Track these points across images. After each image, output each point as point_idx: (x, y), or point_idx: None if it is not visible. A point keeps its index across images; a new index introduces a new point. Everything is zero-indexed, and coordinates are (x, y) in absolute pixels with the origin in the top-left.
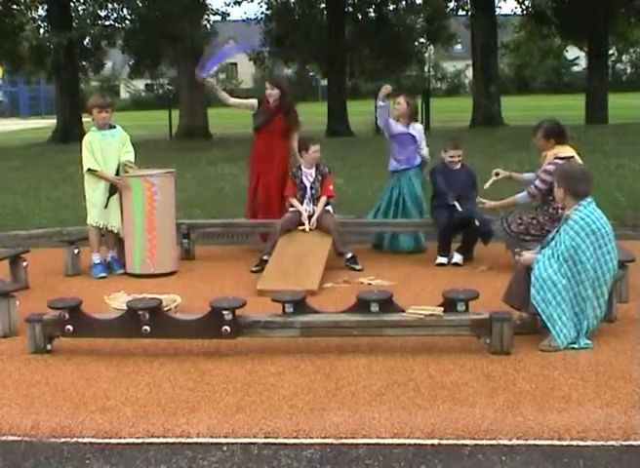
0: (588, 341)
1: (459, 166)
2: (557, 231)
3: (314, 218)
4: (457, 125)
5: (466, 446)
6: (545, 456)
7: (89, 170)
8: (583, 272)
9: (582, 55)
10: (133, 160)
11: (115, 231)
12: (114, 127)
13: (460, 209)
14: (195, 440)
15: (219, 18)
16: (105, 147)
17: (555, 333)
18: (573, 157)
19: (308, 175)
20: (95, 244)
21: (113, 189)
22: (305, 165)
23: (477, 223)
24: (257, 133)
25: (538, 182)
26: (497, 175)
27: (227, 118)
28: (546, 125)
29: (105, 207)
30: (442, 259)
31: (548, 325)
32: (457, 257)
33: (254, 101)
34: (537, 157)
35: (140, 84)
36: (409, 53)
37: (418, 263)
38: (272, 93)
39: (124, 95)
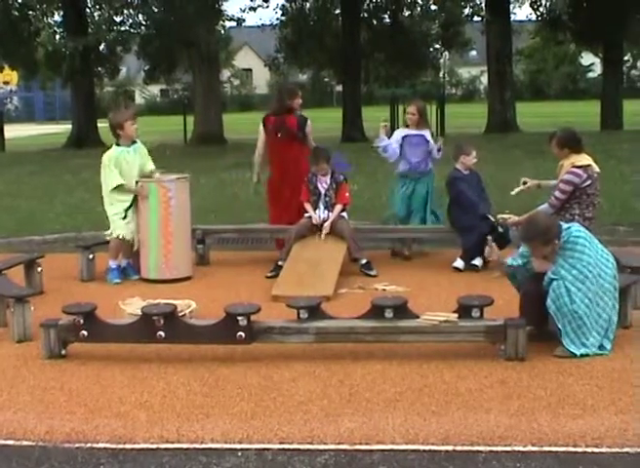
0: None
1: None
2: (561, 259)
3: (328, 223)
4: (471, 131)
5: (481, 452)
6: (560, 463)
7: (118, 186)
8: (589, 272)
9: (597, 61)
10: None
11: (134, 241)
12: (135, 142)
13: (492, 219)
14: (209, 445)
15: (234, 23)
16: (129, 162)
17: (565, 345)
18: (590, 165)
19: (323, 182)
20: (116, 252)
21: (134, 201)
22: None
23: (501, 229)
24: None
25: (557, 193)
26: (524, 183)
27: (242, 124)
28: (560, 134)
29: (124, 218)
30: (478, 261)
31: (561, 339)
32: (477, 260)
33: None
34: (552, 163)
35: (155, 89)
36: (424, 59)
37: (432, 269)
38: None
39: (139, 100)
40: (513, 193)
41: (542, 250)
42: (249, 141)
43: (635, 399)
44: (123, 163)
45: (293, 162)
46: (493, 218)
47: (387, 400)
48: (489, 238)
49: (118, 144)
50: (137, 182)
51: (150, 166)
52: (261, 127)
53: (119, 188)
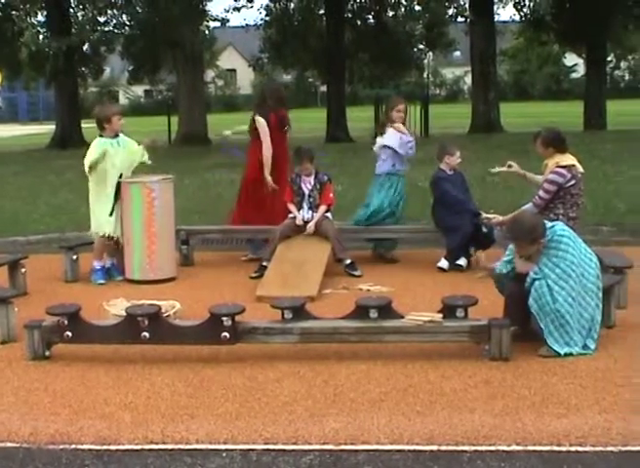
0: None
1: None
2: (545, 257)
3: (312, 224)
4: (455, 131)
5: (465, 452)
6: (544, 462)
7: (90, 167)
8: (572, 271)
9: (581, 61)
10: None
11: (118, 239)
12: (117, 135)
13: (484, 215)
14: (194, 446)
15: (218, 24)
16: (114, 154)
17: (549, 344)
18: (574, 165)
19: (307, 183)
20: (100, 252)
21: (117, 196)
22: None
23: (485, 229)
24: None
25: (541, 193)
26: (509, 166)
27: (227, 124)
28: (545, 133)
29: (110, 214)
30: (463, 261)
31: (545, 338)
32: (462, 261)
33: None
34: (536, 163)
35: (139, 90)
36: (408, 59)
37: (417, 269)
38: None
39: (123, 100)
40: (493, 171)
41: (528, 249)
42: (234, 142)
43: (619, 398)
44: (108, 152)
45: (283, 156)
46: (483, 213)
47: (372, 400)
48: (472, 250)
49: (101, 136)
50: (120, 175)
51: (144, 156)
52: (265, 124)
53: (93, 168)
